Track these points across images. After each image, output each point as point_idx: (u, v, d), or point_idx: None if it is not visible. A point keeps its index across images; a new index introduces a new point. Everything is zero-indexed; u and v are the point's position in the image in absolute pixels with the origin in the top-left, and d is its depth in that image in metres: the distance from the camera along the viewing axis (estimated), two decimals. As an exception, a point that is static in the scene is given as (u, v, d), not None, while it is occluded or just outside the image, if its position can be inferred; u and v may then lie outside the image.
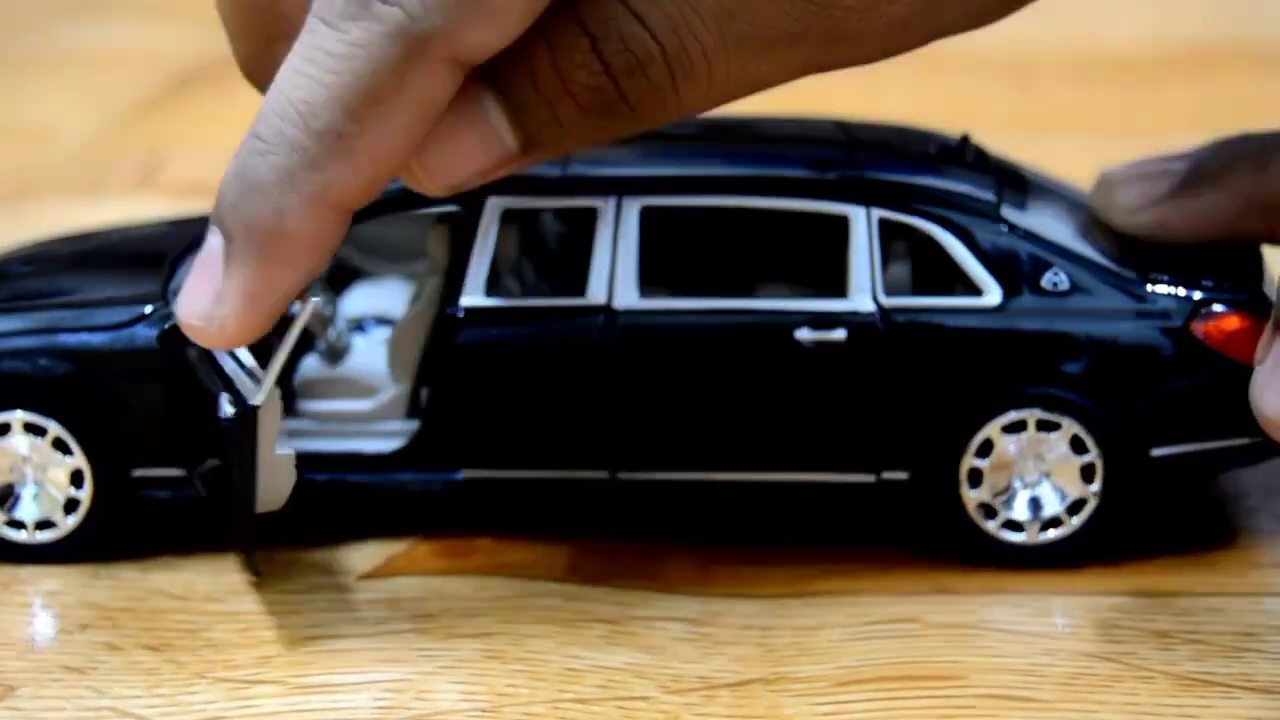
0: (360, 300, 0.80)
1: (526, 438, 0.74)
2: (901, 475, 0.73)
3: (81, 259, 0.82)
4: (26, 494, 0.75)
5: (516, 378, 0.73)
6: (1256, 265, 0.75)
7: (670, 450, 0.74)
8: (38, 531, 0.75)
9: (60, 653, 0.70)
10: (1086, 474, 0.72)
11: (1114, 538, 0.73)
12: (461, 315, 0.73)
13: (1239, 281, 0.73)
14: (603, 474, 0.74)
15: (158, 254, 0.79)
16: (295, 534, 0.76)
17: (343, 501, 0.76)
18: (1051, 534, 0.73)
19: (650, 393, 0.73)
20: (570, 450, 0.74)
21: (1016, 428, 0.72)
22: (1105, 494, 0.72)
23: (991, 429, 0.72)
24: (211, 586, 0.74)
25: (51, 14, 1.49)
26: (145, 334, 0.74)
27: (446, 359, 0.73)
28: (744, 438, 0.72)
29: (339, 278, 0.78)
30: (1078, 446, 0.72)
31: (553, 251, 0.77)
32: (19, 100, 1.32)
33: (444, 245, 0.75)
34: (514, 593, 0.72)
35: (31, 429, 0.74)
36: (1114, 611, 0.70)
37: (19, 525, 0.75)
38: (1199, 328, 0.72)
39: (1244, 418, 0.67)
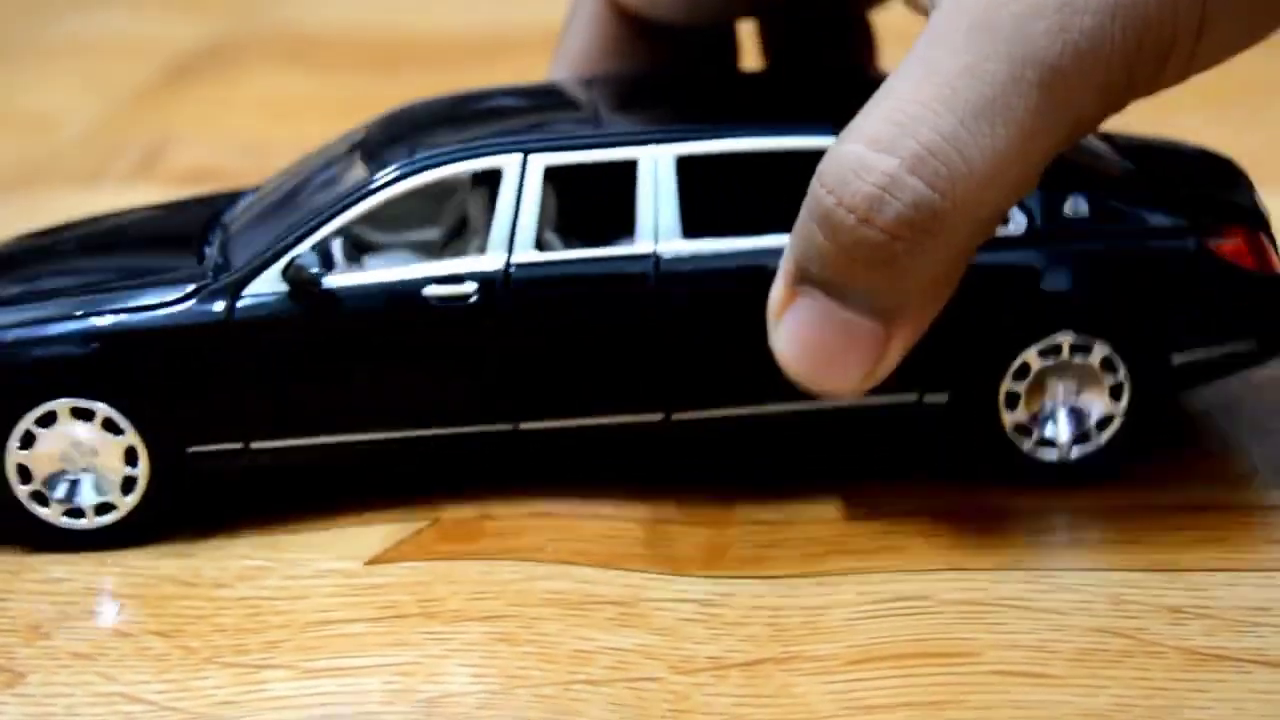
0: None
1: (583, 387, 0.75)
2: (941, 398, 0.75)
3: (92, 243, 0.82)
4: (86, 481, 0.75)
5: (571, 329, 0.75)
6: (1243, 180, 0.79)
7: (723, 387, 0.75)
8: (97, 516, 0.75)
9: (69, 639, 0.70)
10: (1115, 392, 0.76)
11: (1138, 452, 0.76)
12: (515, 270, 0.74)
13: (1235, 196, 0.78)
14: (658, 416, 0.75)
15: (172, 234, 0.79)
16: (302, 517, 0.76)
17: (402, 458, 0.77)
18: (1082, 450, 0.76)
19: (701, 333, 0.75)
20: (626, 396, 0.75)
21: (1051, 351, 0.75)
22: (1132, 409, 0.76)
23: (1028, 353, 0.75)
24: (219, 572, 0.73)
25: (51, 3, 1.49)
26: (200, 309, 0.74)
27: (503, 314, 0.74)
28: None
29: (350, 250, 0.78)
30: (1108, 366, 0.75)
31: (593, 205, 0.78)
32: (20, 89, 1.32)
33: (484, 205, 0.76)
34: (522, 576, 0.72)
35: (80, 414, 0.74)
36: (1125, 587, 0.70)
37: (78, 513, 0.75)
38: (1212, 242, 0.76)
39: (1249, 322, 0.76)
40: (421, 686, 0.66)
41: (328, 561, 0.74)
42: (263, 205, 0.79)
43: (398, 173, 0.75)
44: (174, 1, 1.48)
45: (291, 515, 0.77)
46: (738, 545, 0.74)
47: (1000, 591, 0.70)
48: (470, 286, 0.74)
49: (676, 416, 0.76)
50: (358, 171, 0.77)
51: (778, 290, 0.70)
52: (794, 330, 0.69)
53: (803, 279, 0.69)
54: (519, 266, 0.75)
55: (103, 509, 0.75)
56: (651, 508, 0.76)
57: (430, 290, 0.74)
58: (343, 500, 0.77)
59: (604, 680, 0.66)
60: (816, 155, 0.70)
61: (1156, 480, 0.77)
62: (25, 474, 0.75)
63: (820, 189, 0.68)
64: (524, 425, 0.76)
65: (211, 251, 0.77)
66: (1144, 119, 1.00)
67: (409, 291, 0.74)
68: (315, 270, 0.74)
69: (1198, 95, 1.07)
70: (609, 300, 0.75)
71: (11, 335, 0.74)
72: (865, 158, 0.66)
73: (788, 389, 0.71)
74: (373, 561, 0.74)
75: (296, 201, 0.77)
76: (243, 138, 1.18)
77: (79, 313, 0.74)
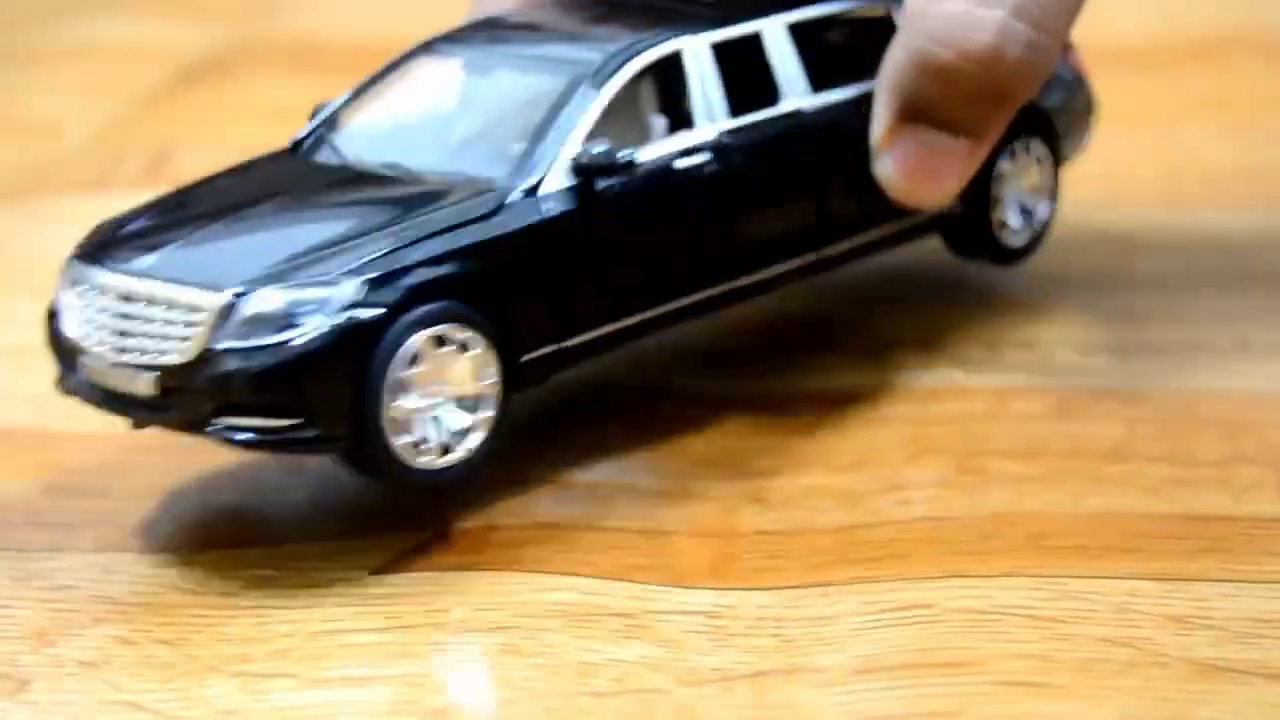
0: None
1: (771, 238, 0.85)
2: (957, 208, 0.91)
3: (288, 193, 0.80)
4: (444, 413, 0.74)
5: (763, 186, 0.84)
6: None
7: (854, 217, 0.87)
8: (456, 448, 0.75)
9: (74, 647, 0.70)
10: (1044, 176, 0.94)
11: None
12: (727, 137, 0.83)
13: None
14: (813, 256, 0.87)
15: (350, 176, 0.80)
16: (309, 527, 0.76)
17: (669, 327, 0.82)
18: (1033, 226, 0.94)
19: (839, 172, 0.86)
20: (795, 240, 0.86)
21: (1010, 155, 0.92)
22: (1054, 184, 0.95)
23: (1002, 162, 0.92)
24: (225, 581, 0.73)
25: (58, 10, 1.49)
26: (518, 215, 0.76)
27: (726, 177, 0.83)
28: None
29: None
30: (1041, 159, 0.94)
31: (732, 76, 0.84)
32: (28, 95, 1.32)
33: (657, 88, 0.84)
34: (528, 587, 0.72)
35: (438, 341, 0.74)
36: (1130, 596, 0.70)
37: (445, 450, 0.74)
38: (1071, 58, 0.96)
39: (1082, 114, 0.97)
40: (427, 698, 0.66)
41: (334, 571, 0.74)
42: (447, 129, 0.82)
43: (620, 60, 0.81)
44: (178, 8, 1.48)
45: (298, 524, 0.77)
46: (742, 556, 0.74)
47: (1004, 600, 0.70)
48: (706, 155, 0.82)
49: (824, 252, 0.87)
50: (547, 78, 0.80)
51: (883, 126, 0.81)
52: (901, 158, 0.81)
53: (909, 117, 0.80)
54: (729, 133, 0.83)
55: (453, 442, 0.75)
56: (656, 519, 0.77)
57: (679, 163, 0.81)
58: (349, 510, 0.77)
59: (609, 692, 0.66)
60: (884, 13, 0.86)
61: (1160, 489, 0.77)
62: (396, 426, 0.73)
63: (932, 45, 0.79)
64: (737, 282, 0.84)
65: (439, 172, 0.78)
66: (1154, 128, 1.01)
67: (667, 166, 0.81)
68: (601, 150, 0.78)
69: (1207, 107, 1.08)
70: (784, 154, 0.84)
71: (366, 277, 0.72)
72: (974, 12, 0.78)
73: (881, 212, 0.86)
74: (379, 571, 0.74)
75: (502, 112, 0.81)
76: (247, 144, 1.18)
77: (407, 242, 0.73)
